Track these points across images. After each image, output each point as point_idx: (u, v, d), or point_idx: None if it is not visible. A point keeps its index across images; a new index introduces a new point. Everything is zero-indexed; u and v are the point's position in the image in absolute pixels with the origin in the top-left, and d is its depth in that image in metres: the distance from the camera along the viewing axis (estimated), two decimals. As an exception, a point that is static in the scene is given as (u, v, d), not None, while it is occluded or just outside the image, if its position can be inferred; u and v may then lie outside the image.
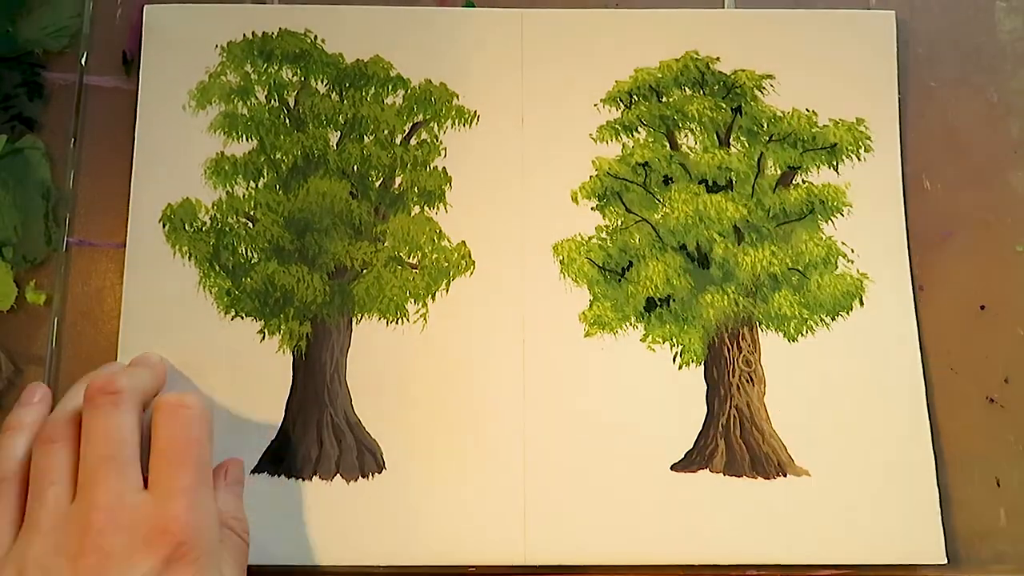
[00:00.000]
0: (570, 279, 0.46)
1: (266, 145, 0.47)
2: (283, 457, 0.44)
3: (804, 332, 0.46)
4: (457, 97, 0.48)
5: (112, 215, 0.46)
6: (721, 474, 0.44)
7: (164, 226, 0.46)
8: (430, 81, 0.48)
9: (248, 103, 0.47)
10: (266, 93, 0.48)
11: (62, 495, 0.36)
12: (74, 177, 0.47)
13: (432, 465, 0.44)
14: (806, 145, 0.48)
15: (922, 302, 0.46)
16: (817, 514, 0.43)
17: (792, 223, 0.47)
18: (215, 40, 0.48)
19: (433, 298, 0.46)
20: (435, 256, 0.46)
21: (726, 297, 0.46)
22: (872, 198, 0.47)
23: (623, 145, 0.48)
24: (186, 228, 0.46)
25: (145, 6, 0.48)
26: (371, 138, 0.48)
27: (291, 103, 0.48)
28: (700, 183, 0.47)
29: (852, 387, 0.45)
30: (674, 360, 0.45)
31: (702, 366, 0.45)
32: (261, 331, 0.45)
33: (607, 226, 0.47)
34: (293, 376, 0.45)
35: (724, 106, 0.48)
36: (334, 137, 0.47)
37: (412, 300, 0.46)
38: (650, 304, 0.46)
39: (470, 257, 0.46)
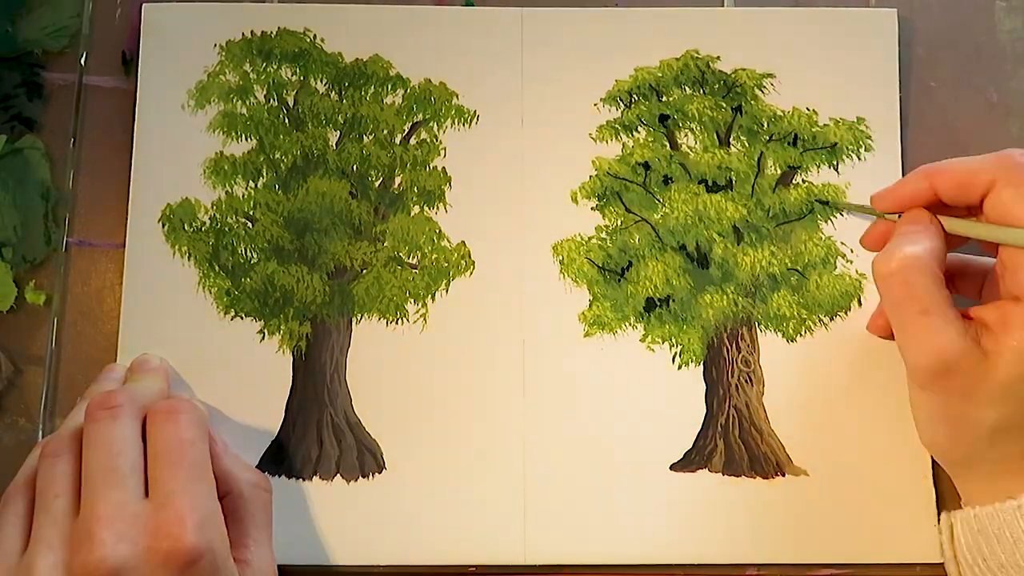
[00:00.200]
0: (570, 279, 0.46)
1: (265, 145, 0.47)
2: (283, 457, 0.44)
3: (803, 332, 0.46)
4: (457, 96, 0.48)
5: (112, 215, 0.46)
6: (720, 474, 0.44)
7: (163, 226, 0.46)
8: (430, 80, 0.48)
9: (247, 103, 0.47)
10: (265, 92, 0.48)
11: (67, 507, 0.36)
12: (74, 177, 0.47)
13: (432, 465, 0.44)
14: (806, 144, 0.48)
15: (921, 302, 0.46)
16: (815, 513, 0.44)
17: (792, 223, 0.47)
18: (214, 39, 0.48)
19: (433, 298, 0.46)
20: (435, 256, 0.46)
21: (725, 297, 0.46)
22: (872, 198, 0.47)
23: (623, 145, 0.48)
24: (185, 228, 0.46)
25: (143, 5, 0.48)
26: (370, 138, 0.47)
27: (290, 103, 0.48)
28: (700, 183, 0.47)
29: (850, 387, 0.45)
30: (673, 360, 0.45)
31: (701, 366, 0.45)
32: (261, 331, 0.45)
33: (607, 226, 0.47)
34: (293, 376, 0.45)
35: (724, 105, 0.48)
36: (333, 137, 0.47)
37: (412, 300, 0.46)
38: (649, 304, 0.46)
39: (470, 257, 0.46)
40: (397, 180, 0.47)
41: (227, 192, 0.46)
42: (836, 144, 0.47)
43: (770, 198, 0.47)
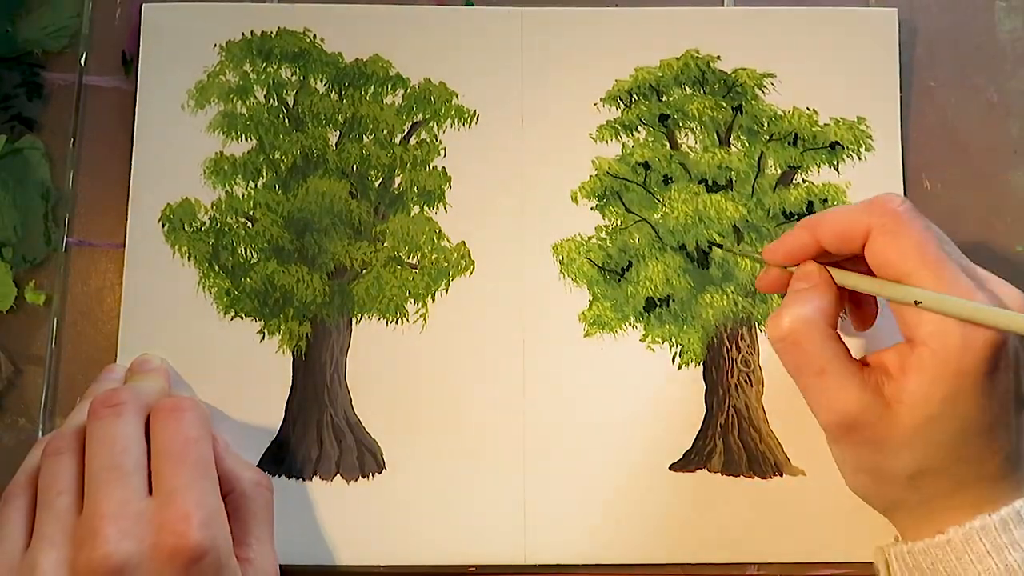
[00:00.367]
0: (570, 279, 0.46)
1: (265, 145, 0.47)
2: (283, 457, 0.44)
3: (803, 332, 0.46)
4: (456, 96, 0.48)
5: (111, 215, 0.46)
6: (719, 474, 0.44)
7: (163, 226, 0.46)
8: (429, 80, 0.48)
9: (247, 102, 0.47)
10: (265, 92, 0.48)
11: (70, 505, 0.36)
12: (73, 177, 0.47)
13: (432, 465, 0.44)
14: (807, 144, 0.48)
15: (921, 302, 0.46)
16: (813, 513, 0.44)
17: (792, 223, 0.47)
18: (214, 39, 0.48)
19: (433, 298, 0.46)
20: (435, 256, 0.46)
21: (725, 297, 0.46)
22: (872, 198, 0.47)
23: (623, 145, 0.48)
24: (185, 228, 0.46)
25: (143, 5, 0.48)
26: (370, 138, 0.47)
27: (290, 102, 0.48)
28: (700, 183, 0.47)
29: (851, 387, 0.45)
30: (673, 360, 0.45)
31: (701, 366, 0.45)
32: (261, 331, 0.45)
33: (607, 226, 0.47)
34: (293, 376, 0.45)
35: (724, 105, 0.48)
36: (333, 137, 0.47)
37: (412, 300, 0.46)
38: (649, 304, 0.46)
39: (470, 257, 0.46)
40: (397, 180, 0.47)
41: (227, 192, 0.46)
42: (837, 144, 0.47)
43: (770, 198, 0.47)
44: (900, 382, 0.35)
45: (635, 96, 0.48)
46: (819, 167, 0.47)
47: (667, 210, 0.47)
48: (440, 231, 0.46)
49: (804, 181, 0.47)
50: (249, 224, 0.46)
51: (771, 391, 0.45)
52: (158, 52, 0.47)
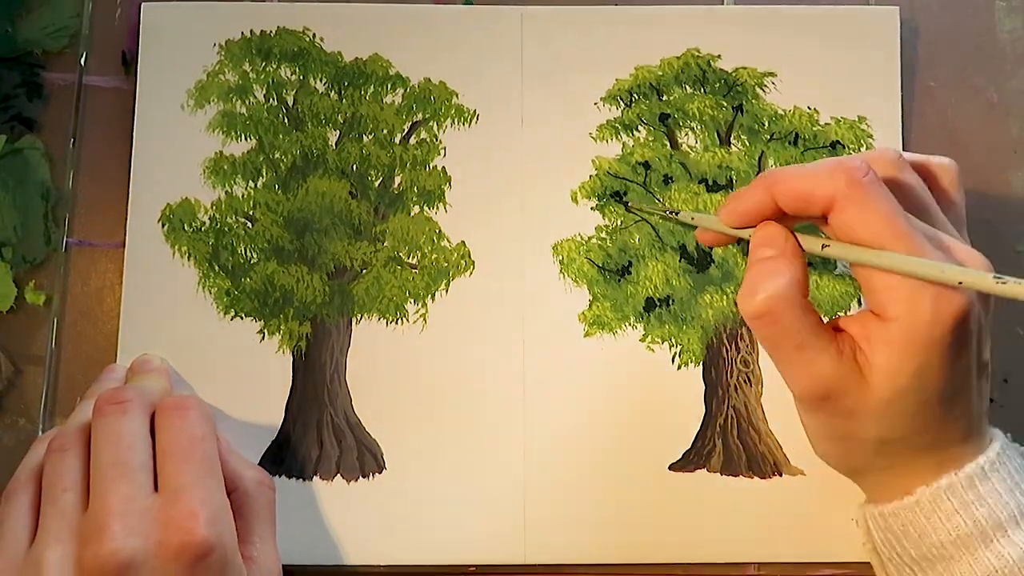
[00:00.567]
0: (570, 279, 0.46)
1: (265, 144, 0.47)
2: (283, 457, 0.44)
3: (803, 332, 0.46)
4: (456, 96, 0.48)
5: (111, 215, 0.46)
6: (718, 474, 0.44)
7: (163, 226, 0.46)
8: (429, 80, 0.48)
9: (247, 102, 0.47)
10: (265, 92, 0.48)
11: (76, 502, 0.36)
12: (73, 177, 0.47)
13: (432, 465, 0.44)
14: (807, 144, 0.47)
15: (921, 302, 0.46)
16: (813, 513, 0.44)
17: (792, 223, 0.47)
18: (213, 39, 0.48)
19: (433, 298, 0.46)
20: (435, 256, 0.46)
21: (725, 297, 0.46)
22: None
23: (623, 144, 0.48)
24: (185, 228, 0.46)
25: (143, 5, 0.48)
26: (370, 137, 0.47)
27: (290, 102, 0.48)
28: (700, 182, 0.47)
29: (850, 387, 0.45)
30: (673, 360, 0.45)
31: (700, 366, 0.45)
32: (261, 331, 0.45)
33: (607, 226, 0.47)
34: (293, 376, 0.45)
35: (725, 104, 0.48)
36: (333, 136, 0.47)
37: (412, 300, 0.46)
38: (649, 304, 0.46)
39: (470, 257, 0.46)
40: (397, 180, 0.47)
41: (227, 192, 0.46)
42: (837, 143, 0.47)
43: (770, 198, 0.47)
44: (870, 355, 0.35)
45: (635, 95, 0.48)
46: (819, 167, 0.47)
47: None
48: (440, 231, 0.46)
49: (804, 181, 0.47)
50: (249, 224, 0.46)
51: (770, 391, 0.45)
52: (158, 52, 0.47)
